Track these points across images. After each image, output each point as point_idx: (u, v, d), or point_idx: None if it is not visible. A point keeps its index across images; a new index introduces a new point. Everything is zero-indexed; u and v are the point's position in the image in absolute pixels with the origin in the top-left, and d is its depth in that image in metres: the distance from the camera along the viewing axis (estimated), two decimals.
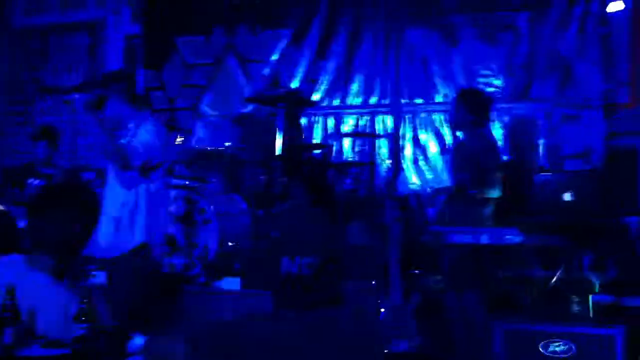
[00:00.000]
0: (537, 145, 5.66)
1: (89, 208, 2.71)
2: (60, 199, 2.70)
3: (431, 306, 4.46)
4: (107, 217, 3.78)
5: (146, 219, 3.68)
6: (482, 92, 5.08)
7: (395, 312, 4.20)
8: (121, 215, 3.73)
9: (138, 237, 3.70)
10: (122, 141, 3.69)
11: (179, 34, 6.73)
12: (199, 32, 6.70)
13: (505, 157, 5.50)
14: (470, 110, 4.51)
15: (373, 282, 4.28)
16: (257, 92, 5.63)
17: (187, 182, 4.35)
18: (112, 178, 3.83)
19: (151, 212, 3.71)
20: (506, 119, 5.79)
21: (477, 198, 4.36)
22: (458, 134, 5.08)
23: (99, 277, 4.23)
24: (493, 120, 5.13)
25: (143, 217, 3.69)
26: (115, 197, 3.78)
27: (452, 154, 4.99)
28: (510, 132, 5.77)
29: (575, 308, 3.64)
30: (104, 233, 3.77)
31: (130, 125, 3.80)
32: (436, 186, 5.42)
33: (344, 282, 3.75)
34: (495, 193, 4.49)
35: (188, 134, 4.76)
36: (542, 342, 3.07)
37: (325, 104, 6.30)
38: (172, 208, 4.14)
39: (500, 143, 5.42)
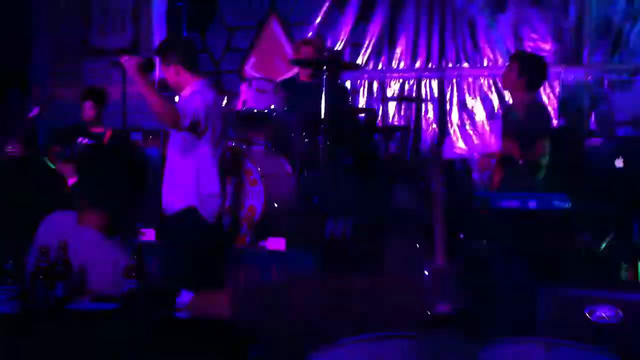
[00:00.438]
0: (588, 112, 5.54)
1: (137, 167, 2.74)
2: (109, 157, 2.75)
3: (475, 271, 4.43)
4: (167, 178, 3.85)
5: (197, 181, 3.71)
6: (537, 55, 4.98)
7: (438, 275, 4.18)
8: (178, 176, 3.77)
9: (189, 198, 3.71)
10: (174, 103, 3.73)
11: None
12: None
13: (555, 123, 5.40)
14: (523, 71, 4.42)
15: (417, 245, 4.26)
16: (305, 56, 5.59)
17: (233, 144, 4.36)
18: (171, 140, 3.86)
19: (203, 174, 3.73)
20: (556, 84, 5.68)
21: (526, 164, 4.29)
22: (507, 97, 5.00)
23: (149, 235, 4.33)
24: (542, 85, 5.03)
25: (193, 179, 3.71)
26: (173, 160, 3.82)
27: (501, 119, 4.91)
28: (560, 97, 5.65)
29: (624, 274, 3.58)
30: (164, 192, 3.84)
31: (183, 90, 3.82)
32: (483, 151, 5.35)
33: (387, 244, 3.76)
34: (544, 159, 4.42)
35: (233, 96, 4.76)
36: (589, 308, 3.02)
37: (369, 67, 6.24)
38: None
39: (550, 109, 5.32)
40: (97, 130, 5.47)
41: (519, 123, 4.39)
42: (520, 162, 4.33)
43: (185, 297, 2.36)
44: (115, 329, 2.24)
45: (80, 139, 5.35)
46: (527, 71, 4.44)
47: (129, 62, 3.67)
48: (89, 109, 5.46)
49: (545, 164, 4.42)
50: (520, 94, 4.49)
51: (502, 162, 4.42)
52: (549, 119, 4.68)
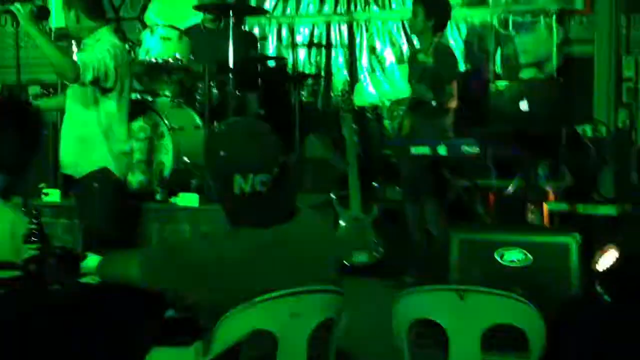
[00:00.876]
0: (493, 54, 5.62)
1: (28, 125, 2.59)
2: None
3: (390, 218, 4.50)
4: (68, 135, 3.65)
5: (107, 139, 3.54)
6: None
7: (355, 224, 4.23)
8: (82, 133, 3.58)
9: (100, 159, 3.55)
10: (74, 55, 3.51)
11: None
12: None
13: (462, 66, 5.46)
14: (428, 15, 4.40)
15: (332, 195, 4.27)
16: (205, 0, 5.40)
17: (138, 96, 4.19)
18: (70, 95, 3.64)
19: (112, 131, 3.56)
20: (462, 26, 5.71)
21: (436, 108, 4.32)
22: (415, 41, 4.99)
23: (52, 196, 4.14)
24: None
25: (103, 137, 3.54)
26: (76, 115, 3.61)
27: (410, 63, 4.91)
28: (465, 40, 5.70)
29: (531, 217, 3.70)
30: (67, 152, 3.65)
31: (84, 39, 3.61)
32: (393, 98, 5.37)
33: (300, 195, 3.74)
34: (453, 103, 4.46)
35: (136, 45, 4.55)
36: (499, 251, 3.11)
37: (278, 12, 6.10)
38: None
39: (456, 52, 5.36)
40: None
41: (428, 67, 4.39)
42: (430, 106, 4.36)
43: (93, 261, 2.27)
44: (18, 298, 2.13)
45: None
46: (433, 14, 4.43)
47: (23, 10, 3.43)
48: None
49: (453, 108, 4.48)
50: (428, 38, 4.49)
51: (413, 106, 4.44)
52: (456, 62, 4.71)
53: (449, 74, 4.42)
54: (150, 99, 4.20)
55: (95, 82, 3.45)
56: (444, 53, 4.53)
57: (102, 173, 3.53)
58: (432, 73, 4.32)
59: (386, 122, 5.64)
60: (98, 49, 3.50)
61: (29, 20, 3.40)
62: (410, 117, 4.40)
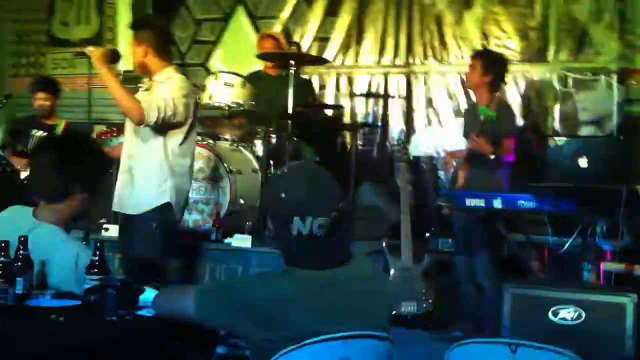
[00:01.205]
0: (552, 110, 5.60)
1: (92, 159, 2.66)
2: (60, 148, 2.65)
3: (441, 269, 4.46)
4: (122, 171, 3.69)
5: (171, 177, 3.57)
6: (499, 53, 5.01)
7: (405, 274, 4.20)
8: (134, 168, 3.64)
9: (162, 195, 3.56)
10: (139, 97, 3.59)
11: None
12: None
13: (519, 121, 5.45)
14: (486, 71, 4.43)
15: (383, 243, 4.27)
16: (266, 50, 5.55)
17: (199, 138, 4.30)
18: (128, 133, 3.70)
19: (174, 170, 3.60)
20: (520, 82, 5.72)
21: (492, 162, 4.31)
22: (472, 96, 5.01)
23: (112, 231, 4.23)
24: (506, 83, 5.07)
25: (167, 175, 3.59)
26: (138, 152, 3.64)
27: (466, 116, 4.93)
28: (524, 95, 5.70)
29: (587, 275, 3.63)
30: (120, 187, 3.68)
31: (149, 74, 3.69)
32: (449, 149, 5.37)
33: (354, 242, 3.75)
34: (509, 157, 4.45)
35: (200, 90, 4.70)
36: (552, 308, 3.06)
37: (337, 63, 6.23)
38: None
39: (514, 106, 5.36)
40: (52, 122, 5.34)
41: (489, 121, 4.40)
42: (491, 157, 4.36)
43: (149, 294, 2.32)
44: (77, 326, 2.19)
45: (34, 131, 5.22)
46: (491, 70, 4.46)
47: (94, 53, 3.57)
48: (40, 100, 5.33)
49: (509, 162, 4.47)
50: (484, 92, 4.52)
51: (470, 158, 4.45)
52: (515, 117, 4.72)
53: (507, 129, 4.43)
54: (211, 141, 4.31)
55: (161, 122, 3.51)
56: (504, 108, 4.55)
57: (165, 210, 3.56)
58: (492, 127, 4.33)
59: (440, 173, 5.65)
60: (167, 87, 3.57)
61: (101, 63, 3.53)
62: (465, 169, 4.40)
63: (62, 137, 3.05)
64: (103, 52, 3.57)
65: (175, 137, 3.60)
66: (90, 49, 3.57)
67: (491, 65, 4.48)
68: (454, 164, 4.60)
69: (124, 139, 3.72)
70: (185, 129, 3.61)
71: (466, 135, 4.65)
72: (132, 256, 3.54)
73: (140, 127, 3.54)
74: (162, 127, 3.53)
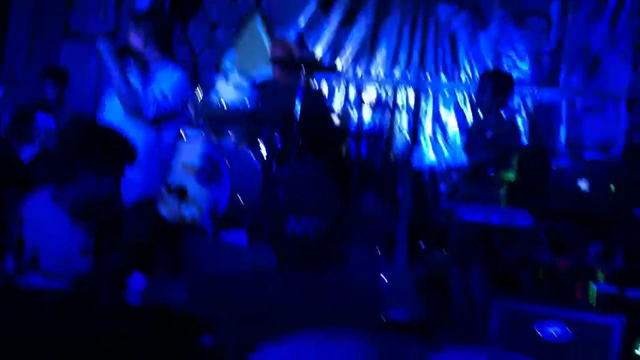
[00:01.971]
0: (558, 133, 5.62)
1: (119, 145, 2.71)
2: (88, 134, 2.70)
3: (434, 280, 4.47)
4: None
5: (159, 170, 3.62)
6: (507, 73, 5.05)
7: (398, 281, 4.22)
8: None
9: (145, 189, 3.59)
10: (138, 86, 3.63)
11: None
12: None
13: (525, 141, 5.47)
14: (498, 93, 4.50)
15: (378, 250, 4.29)
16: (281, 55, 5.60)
17: (203, 135, 4.35)
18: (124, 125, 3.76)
19: (162, 163, 3.64)
20: (529, 103, 5.75)
21: (493, 179, 4.35)
22: (481, 114, 5.05)
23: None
24: (512, 104, 5.13)
25: (154, 167, 3.63)
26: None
27: (472, 132, 4.96)
28: (532, 117, 5.73)
29: (579, 295, 3.63)
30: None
31: (151, 71, 3.74)
32: (452, 164, 5.40)
33: (349, 246, 3.77)
34: (511, 175, 4.48)
35: (210, 89, 4.75)
36: (539, 324, 3.07)
37: (348, 72, 6.27)
38: (186, 159, 4.13)
39: (521, 127, 5.40)
40: (58, 110, 5.41)
41: (490, 138, 4.44)
42: (488, 176, 4.39)
43: (139, 281, 2.36)
44: (65, 308, 2.22)
45: (38, 114, 5.28)
46: (501, 91, 4.53)
47: (105, 44, 3.62)
48: (49, 89, 5.42)
49: (510, 181, 4.49)
50: (492, 112, 4.57)
51: (470, 174, 4.47)
52: (519, 135, 4.75)
53: (512, 147, 4.47)
54: (216, 139, 4.36)
55: (156, 120, 3.57)
56: (511, 126, 4.59)
57: (146, 204, 3.57)
58: (496, 144, 4.37)
59: (441, 186, 5.68)
60: (165, 80, 3.62)
61: (108, 54, 3.59)
62: (465, 184, 4.42)
63: (91, 125, 3.10)
64: (112, 45, 3.63)
65: (168, 131, 3.65)
66: (100, 42, 3.63)
67: (502, 87, 4.55)
68: (455, 178, 4.63)
69: None
70: (178, 122, 3.66)
71: (468, 150, 4.68)
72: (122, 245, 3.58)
73: (135, 118, 3.59)
74: (156, 120, 3.58)
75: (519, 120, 5.54)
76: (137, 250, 2.95)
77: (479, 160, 4.43)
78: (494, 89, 4.54)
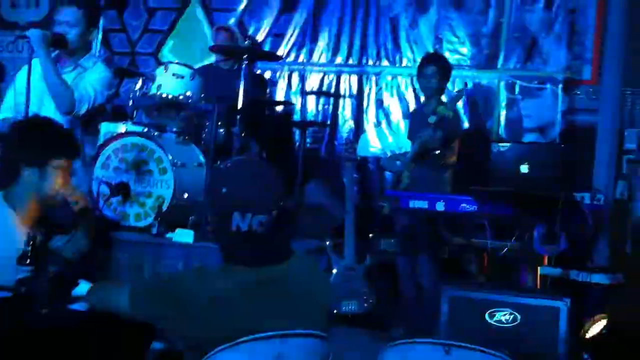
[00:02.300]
0: (497, 116, 5.70)
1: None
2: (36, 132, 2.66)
3: (384, 269, 4.50)
4: None
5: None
6: (446, 57, 5.12)
7: (347, 273, 4.23)
8: None
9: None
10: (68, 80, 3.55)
11: None
12: None
13: (465, 125, 5.53)
14: (442, 77, 4.57)
15: (327, 242, 4.29)
16: (221, 42, 5.51)
17: (144, 129, 4.24)
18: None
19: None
20: (469, 87, 5.81)
21: (436, 164, 4.39)
22: (422, 99, 5.07)
23: None
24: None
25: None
26: None
27: (414, 118, 4.99)
28: (471, 101, 5.79)
29: (524, 279, 3.71)
30: None
31: (81, 65, 3.67)
32: (397, 151, 5.42)
33: (296, 240, 3.75)
34: (453, 159, 4.53)
35: (148, 79, 4.63)
36: (488, 311, 3.12)
37: (290, 59, 6.21)
38: (127, 155, 4.04)
39: (462, 111, 5.45)
40: None
41: (435, 122, 4.47)
42: (431, 161, 4.43)
43: (83, 287, 2.29)
44: (6, 318, 2.14)
45: None
46: (447, 76, 4.60)
47: (35, 35, 3.50)
48: None
49: (453, 165, 4.54)
50: (437, 96, 4.60)
51: (416, 159, 4.50)
52: (461, 120, 4.81)
53: (455, 131, 4.52)
54: (156, 133, 4.25)
55: (89, 113, 3.51)
56: (454, 111, 4.64)
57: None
58: (444, 128, 4.41)
59: (387, 174, 5.70)
60: (95, 76, 3.55)
61: (41, 45, 3.47)
62: (409, 170, 4.45)
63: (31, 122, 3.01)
64: (44, 35, 3.51)
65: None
66: (31, 32, 3.51)
67: (445, 72, 4.60)
68: (398, 164, 4.65)
69: None
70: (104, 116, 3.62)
71: (412, 136, 4.71)
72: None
73: (66, 116, 3.52)
74: (87, 119, 3.53)
75: (460, 104, 5.59)
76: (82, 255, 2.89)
77: (422, 145, 4.46)
78: (437, 74, 4.57)
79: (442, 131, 4.39)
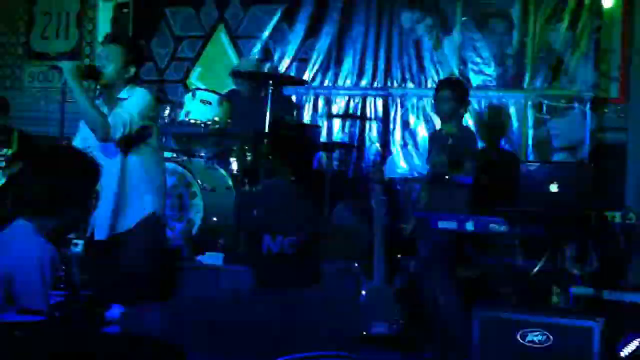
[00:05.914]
0: (526, 136, 5.67)
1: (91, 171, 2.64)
2: (61, 158, 2.62)
3: (413, 290, 4.47)
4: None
5: (148, 187, 3.53)
6: (462, 80, 5.16)
7: (376, 294, 4.21)
8: (109, 186, 3.58)
9: (146, 206, 3.49)
10: (105, 110, 3.60)
11: (169, 5, 6.67)
12: (189, 3, 6.64)
13: (483, 145, 5.52)
14: (457, 101, 4.59)
15: (355, 264, 4.28)
16: (247, 69, 5.57)
17: (174, 155, 4.30)
18: (94, 148, 3.69)
19: (149, 180, 3.56)
20: (495, 106, 5.80)
21: (450, 184, 4.40)
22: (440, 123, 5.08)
23: (79, 247, 4.17)
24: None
25: (144, 187, 3.55)
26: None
27: (431, 141, 5.01)
28: (499, 121, 5.77)
29: (555, 299, 3.66)
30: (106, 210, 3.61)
31: (119, 95, 3.72)
32: (424, 172, 5.42)
33: (325, 262, 3.75)
34: (469, 179, 4.52)
35: (177, 106, 4.69)
36: (520, 331, 3.08)
37: (316, 83, 6.26)
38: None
39: (483, 131, 5.47)
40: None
41: (451, 144, 4.48)
42: (449, 180, 4.43)
43: (116, 311, 2.31)
44: (42, 342, 2.17)
45: None
46: (463, 100, 4.62)
47: (68, 66, 3.58)
48: None
49: (470, 184, 4.53)
50: (453, 119, 4.64)
51: (432, 180, 4.51)
52: (476, 140, 4.84)
53: (467, 151, 4.53)
54: (185, 158, 4.30)
55: (126, 138, 3.53)
56: (466, 130, 4.65)
57: (152, 221, 3.44)
58: (452, 148, 4.42)
59: (414, 195, 5.68)
60: (133, 102, 3.59)
61: (73, 76, 3.54)
62: (427, 191, 4.44)
63: (61, 147, 3.02)
64: (77, 67, 3.59)
65: (150, 149, 3.62)
66: (63, 63, 3.59)
67: (460, 95, 4.63)
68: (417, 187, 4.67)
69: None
70: (155, 140, 3.62)
71: (430, 158, 4.74)
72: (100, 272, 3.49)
73: (103, 142, 3.55)
74: (127, 143, 3.55)
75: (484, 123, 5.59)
76: (133, 277, 2.86)
77: (437, 167, 4.49)
78: (452, 98, 4.62)
79: (451, 151, 4.41)
